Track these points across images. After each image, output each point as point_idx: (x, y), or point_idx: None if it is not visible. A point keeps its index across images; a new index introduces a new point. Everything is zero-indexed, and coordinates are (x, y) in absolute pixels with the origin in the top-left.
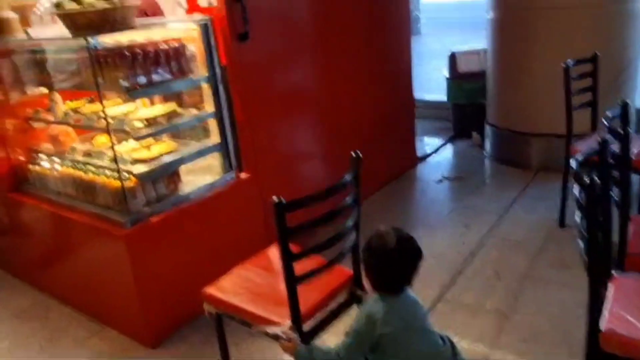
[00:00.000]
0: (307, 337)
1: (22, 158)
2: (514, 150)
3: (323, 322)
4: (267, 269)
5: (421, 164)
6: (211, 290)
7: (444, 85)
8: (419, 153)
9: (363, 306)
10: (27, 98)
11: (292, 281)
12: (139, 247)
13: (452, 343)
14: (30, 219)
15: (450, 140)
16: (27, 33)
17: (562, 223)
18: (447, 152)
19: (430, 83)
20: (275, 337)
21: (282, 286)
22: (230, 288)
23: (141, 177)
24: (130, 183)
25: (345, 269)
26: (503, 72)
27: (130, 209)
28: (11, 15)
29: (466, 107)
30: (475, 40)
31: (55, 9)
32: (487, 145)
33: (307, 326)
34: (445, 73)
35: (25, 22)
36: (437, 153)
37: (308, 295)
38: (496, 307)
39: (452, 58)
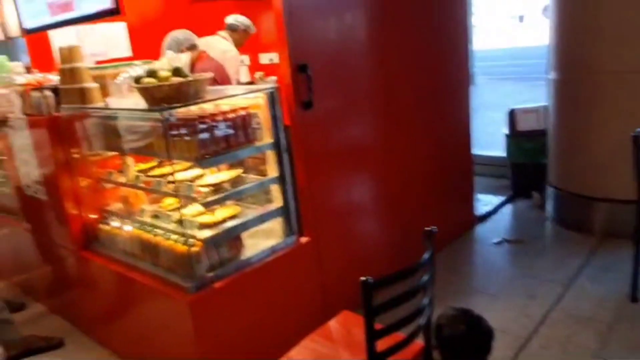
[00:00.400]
0: None
1: (94, 217)
2: (578, 214)
3: None
4: (335, 341)
5: (479, 225)
6: None
7: (499, 138)
8: (476, 212)
9: None
10: (102, 160)
11: (374, 358)
12: (203, 313)
13: None
14: (98, 278)
15: (509, 199)
16: (106, 102)
17: (634, 298)
18: (506, 212)
19: (487, 137)
20: None
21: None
22: None
23: (206, 242)
24: (195, 248)
25: (416, 341)
26: (566, 133)
27: (195, 273)
28: (92, 85)
29: (526, 166)
30: (530, 89)
31: (133, 82)
32: (549, 207)
33: None
34: (504, 130)
35: (104, 90)
36: (496, 213)
37: None
38: None
39: (511, 115)
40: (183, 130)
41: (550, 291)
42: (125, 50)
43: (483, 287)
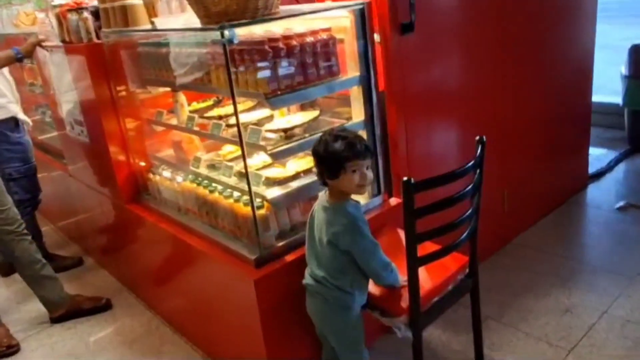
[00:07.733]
0: (424, 321)
1: (142, 164)
2: None
3: (438, 306)
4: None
5: (592, 185)
6: None
7: (612, 84)
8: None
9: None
10: (151, 97)
11: (415, 262)
12: (269, 290)
13: None
14: (147, 236)
15: (627, 154)
16: (152, 23)
17: None
18: (624, 170)
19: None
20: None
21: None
22: None
23: (276, 204)
24: (262, 210)
25: (460, 255)
26: None
27: (262, 242)
28: (136, 2)
29: None
30: None
31: None
32: None
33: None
34: (623, 70)
35: (151, 10)
36: (611, 171)
37: (426, 280)
38: None
39: (634, 52)
40: (248, 58)
41: None
42: None
43: (606, 264)
